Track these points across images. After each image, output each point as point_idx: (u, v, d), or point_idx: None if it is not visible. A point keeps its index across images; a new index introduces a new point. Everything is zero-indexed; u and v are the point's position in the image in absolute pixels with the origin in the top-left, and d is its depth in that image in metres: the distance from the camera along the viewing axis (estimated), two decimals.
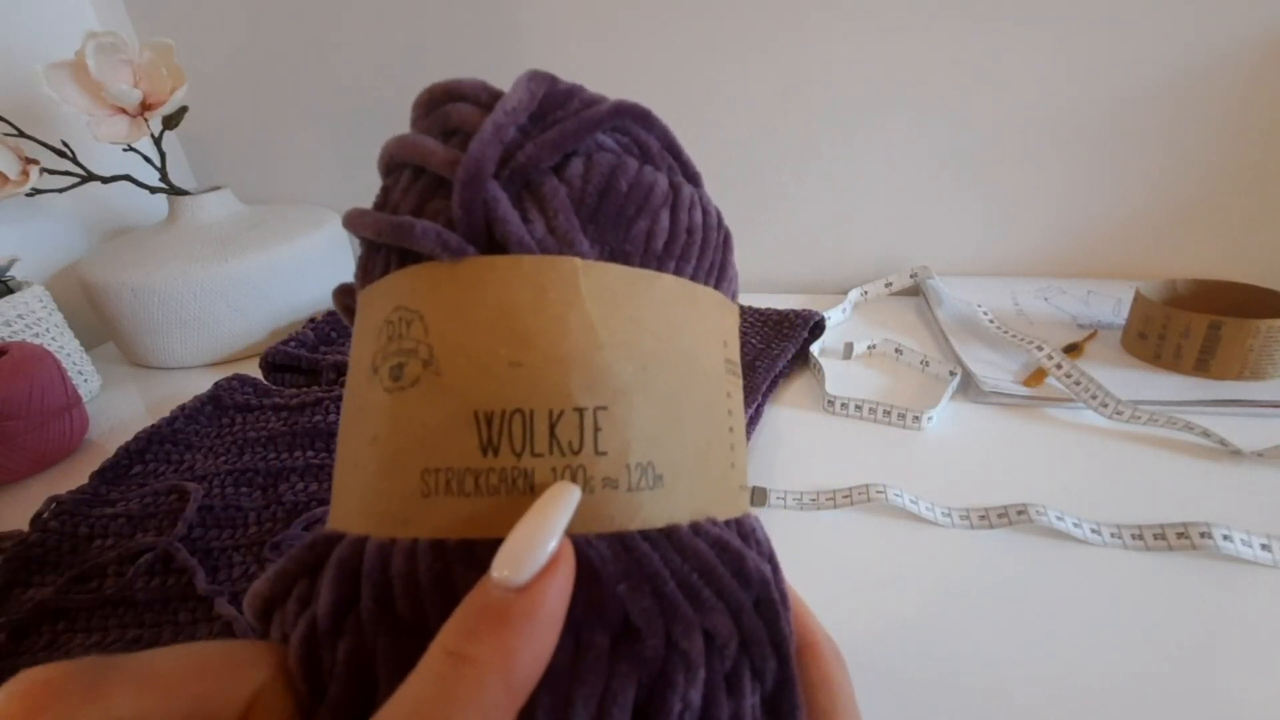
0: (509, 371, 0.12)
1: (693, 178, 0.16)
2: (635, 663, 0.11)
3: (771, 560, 0.14)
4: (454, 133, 0.14)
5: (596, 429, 0.12)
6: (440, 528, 0.11)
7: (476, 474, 0.11)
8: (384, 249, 0.14)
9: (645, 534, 0.12)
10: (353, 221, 0.14)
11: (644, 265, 0.13)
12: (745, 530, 0.14)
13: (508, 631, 0.10)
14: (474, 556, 0.11)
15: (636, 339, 0.13)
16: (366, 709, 0.11)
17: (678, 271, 0.14)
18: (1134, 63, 0.50)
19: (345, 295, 0.16)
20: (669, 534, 0.12)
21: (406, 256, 0.13)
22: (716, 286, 0.15)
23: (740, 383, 0.15)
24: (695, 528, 0.12)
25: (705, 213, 0.15)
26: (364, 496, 0.12)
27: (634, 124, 0.15)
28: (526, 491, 0.11)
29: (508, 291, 0.12)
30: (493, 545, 0.11)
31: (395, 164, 0.15)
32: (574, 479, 0.12)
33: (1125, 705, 0.23)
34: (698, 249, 0.14)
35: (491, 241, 0.13)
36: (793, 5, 0.53)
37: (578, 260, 0.12)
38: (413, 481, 0.12)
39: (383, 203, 0.15)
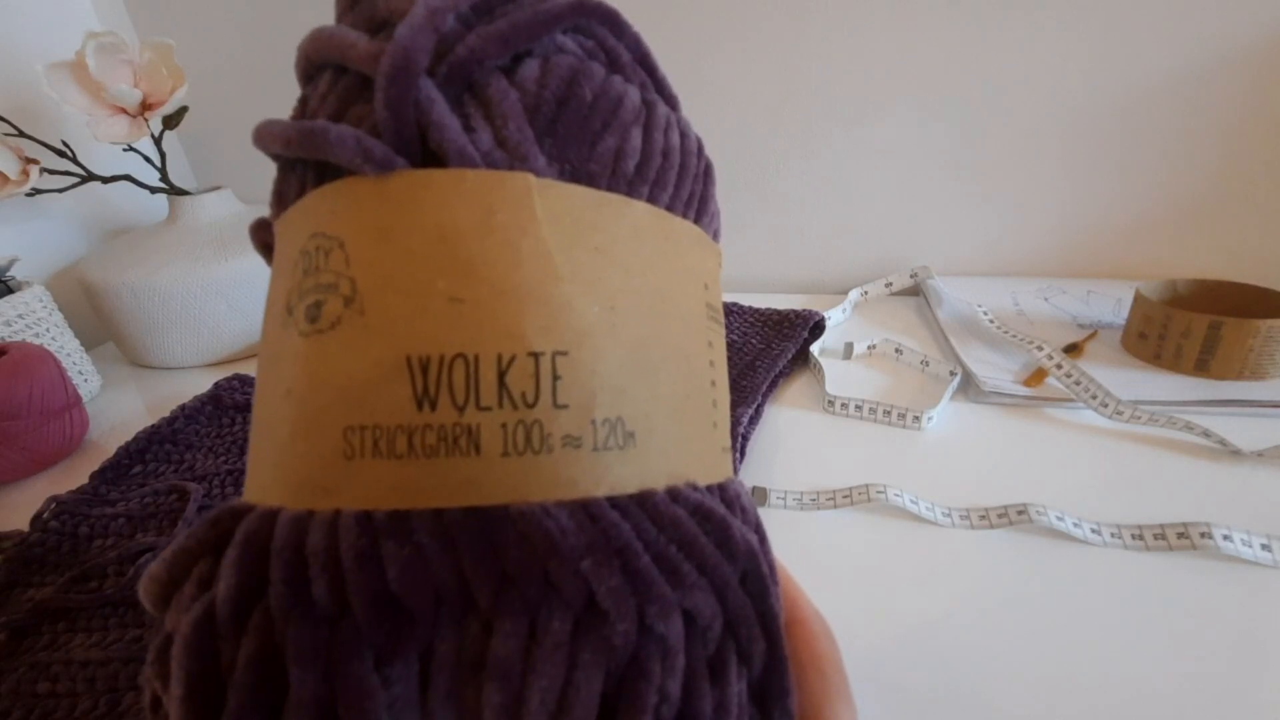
0: (448, 308, 0.10)
1: (670, 99, 0.14)
2: (602, 650, 0.09)
3: (759, 530, 0.12)
4: (383, 25, 0.12)
5: (555, 377, 0.10)
6: (367, 497, 0.10)
7: (410, 432, 0.09)
8: (299, 166, 0.12)
9: (614, 501, 0.10)
10: (260, 135, 0.12)
11: (612, 189, 0.11)
12: (730, 497, 0.12)
13: None
14: (407, 530, 0.09)
15: (603, 273, 0.11)
16: (273, 717, 0.09)
17: (652, 199, 0.12)
18: (1134, 63, 0.50)
19: (263, 231, 0.13)
20: (642, 500, 0.10)
21: (325, 173, 0.11)
22: (697, 221, 0.13)
23: (723, 332, 0.13)
24: (673, 493, 0.11)
25: (684, 136, 0.13)
26: (278, 462, 0.10)
27: (600, 26, 0.12)
28: (470, 452, 0.09)
29: (446, 212, 0.10)
30: (430, 517, 0.09)
31: (314, 65, 0.12)
32: (528, 437, 0.10)
33: (1125, 705, 0.23)
34: (675, 175, 0.12)
35: (426, 153, 0.10)
36: (793, 5, 0.53)
37: (532, 177, 0.10)
38: (334, 442, 0.10)
39: (300, 113, 0.12)
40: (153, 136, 0.51)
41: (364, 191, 0.10)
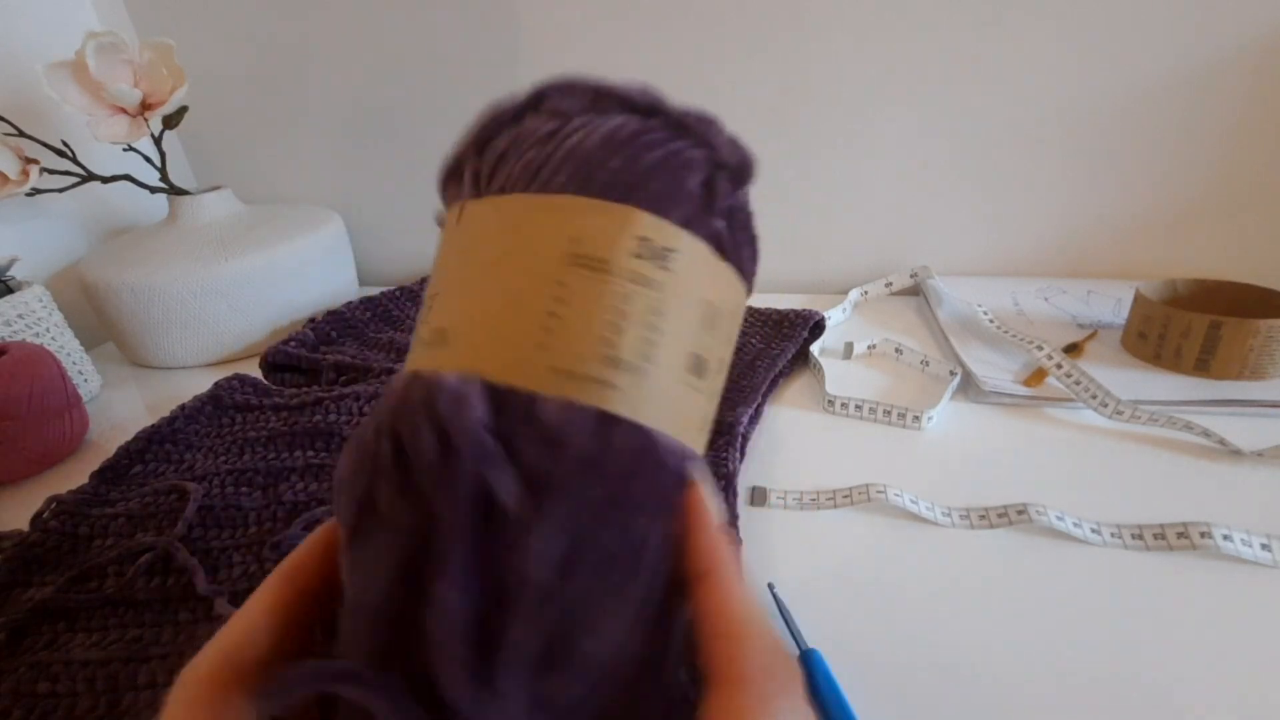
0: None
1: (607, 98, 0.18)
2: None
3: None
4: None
5: (429, 310, 0.17)
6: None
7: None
8: None
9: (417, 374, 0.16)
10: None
11: (526, 191, 0.16)
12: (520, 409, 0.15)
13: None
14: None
15: (469, 248, 0.16)
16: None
17: (542, 191, 0.16)
18: (1135, 63, 0.50)
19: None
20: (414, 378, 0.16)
21: None
22: (582, 193, 0.16)
23: (610, 278, 0.16)
24: (462, 377, 0.15)
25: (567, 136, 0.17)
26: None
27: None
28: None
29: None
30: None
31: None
32: (419, 333, 0.16)
33: (1125, 705, 0.23)
34: (550, 171, 0.16)
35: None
36: (793, 5, 0.53)
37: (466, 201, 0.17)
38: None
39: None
40: (153, 136, 0.51)
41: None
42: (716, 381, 0.18)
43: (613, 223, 0.16)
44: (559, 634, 0.14)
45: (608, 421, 0.15)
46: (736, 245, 0.18)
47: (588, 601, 0.14)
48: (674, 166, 0.17)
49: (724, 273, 0.18)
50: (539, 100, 0.18)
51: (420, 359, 0.16)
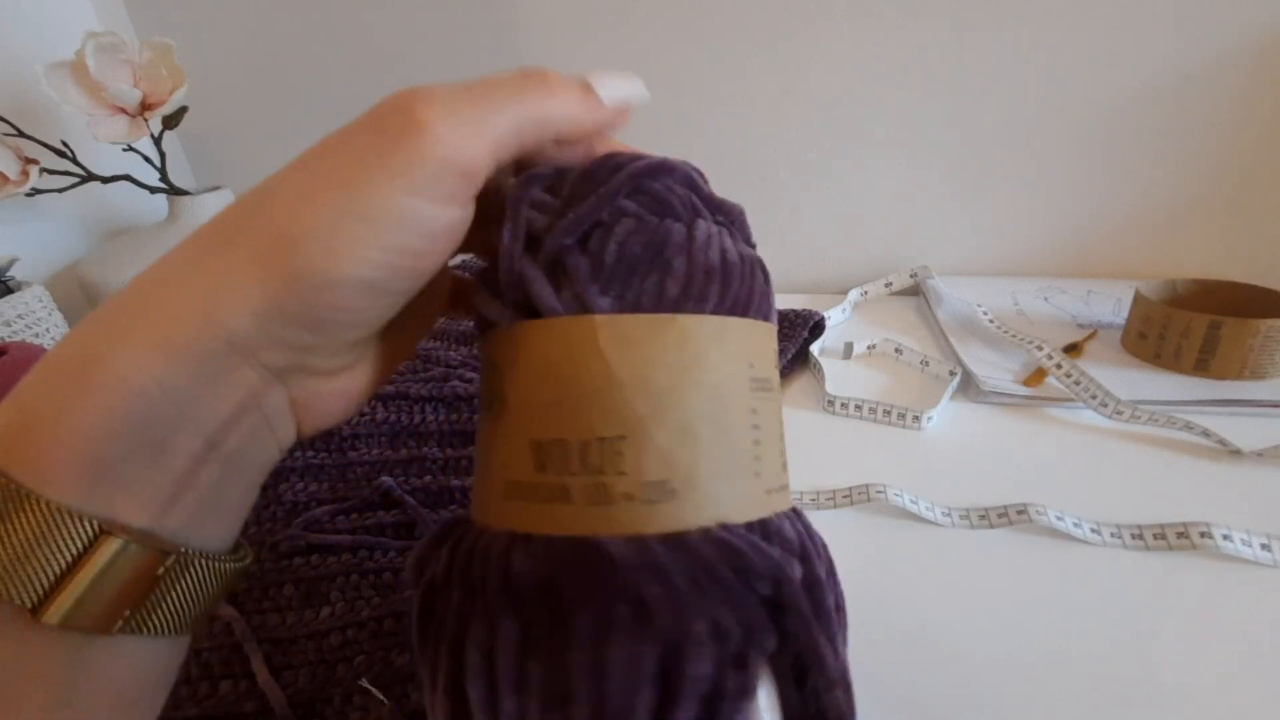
0: (550, 409, 0.15)
1: (721, 211, 0.18)
2: (650, 638, 0.13)
3: (804, 553, 0.16)
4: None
5: (616, 454, 0.14)
6: (512, 522, 0.15)
7: (533, 486, 0.15)
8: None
9: (659, 536, 0.14)
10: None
11: (659, 310, 0.15)
12: (770, 530, 0.15)
13: (591, 99, 0.17)
14: (528, 544, 0.14)
15: (651, 376, 0.15)
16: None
17: (697, 309, 0.16)
18: (1134, 62, 0.50)
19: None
20: (677, 538, 0.14)
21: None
22: (745, 314, 0.17)
23: (773, 394, 0.17)
24: (705, 533, 0.14)
25: (724, 250, 0.17)
26: (478, 494, 0.17)
27: (651, 181, 0.17)
28: (565, 501, 0.14)
29: (544, 347, 0.15)
30: (542, 539, 0.14)
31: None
32: (597, 493, 0.14)
33: (1125, 705, 0.23)
34: (718, 286, 0.16)
35: (535, 310, 0.16)
36: (793, 5, 0.53)
37: (597, 317, 0.15)
38: (498, 488, 0.16)
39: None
40: (152, 136, 0.51)
41: (503, 335, 0.16)
42: None
43: (767, 341, 0.18)
44: None
45: (797, 515, 0.17)
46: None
47: None
48: (756, 265, 0.18)
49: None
50: (634, 188, 0.17)
51: (641, 518, 0.14)
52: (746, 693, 0.13)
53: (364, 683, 0.23)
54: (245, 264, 0.14)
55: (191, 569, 0.14)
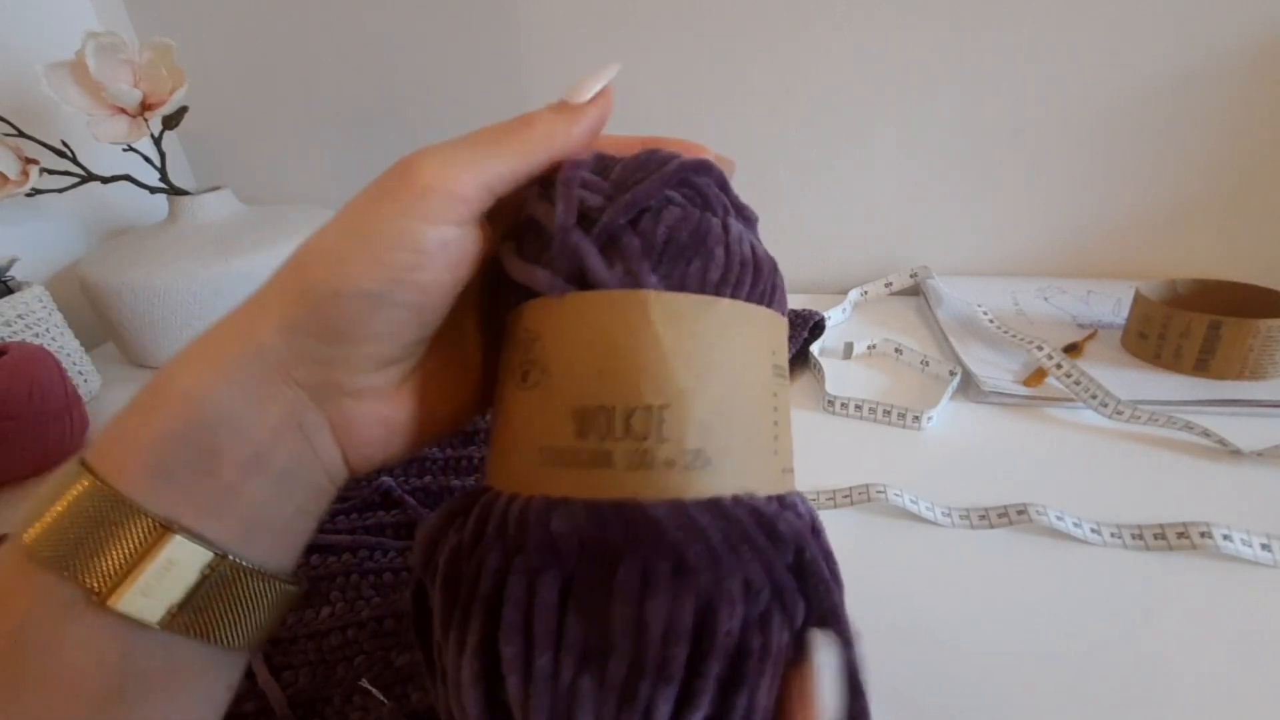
0: (597, 377, 0.15)
1: (744, 214, 0.20)
2: (691, 589, 0.14)
3: (814, 529, 0.17)
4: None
5: (660, 421, 0.15)
6: (550, 489, 0.15)
7: (573, 452, 0.15)
8: (518, 288, 0.18)
9: (697, 502, 0.15)
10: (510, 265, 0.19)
11: (703, 292, 0.17)
12: (786, 504, 0.17)
13: (566, 111, 0.18)
14: (568, 508, 0.15)
15: (696, 351, 0.16)
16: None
17: (734, 295, 0.17)
18: (1133, 62, 0.50)
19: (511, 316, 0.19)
20: (714, 503, 0.15)
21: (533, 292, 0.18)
22: (769, 305, 0.18)
23: (787, 383, 0.18)
24: (736, 499, 0.15)
25: (754, 247, 0.18)
26: (505, 464, 0.17)
27: (696, 177, 0.18)
28: (607, 466, 0.15)
29: (595, 317, 0.16)
30: (582, 503, 0.15)
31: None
32: (640, 458, 0.15)
33: (1125, 705, 0.23)
34: (750, 277, 0.17)
35: (585, 282, 0.16)
36: (793, 5, 0.53)
37: (649, 293, 0.16)
38: (534, 456, 0.16)
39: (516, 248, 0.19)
40: (152, 136, 0.51)
41: (545, 306, 0.17)
42: None
43: (783, 333, 0.19)
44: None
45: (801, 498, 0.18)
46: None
47: None
48: (775, 264, 0.20)
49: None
50: (680, 180, 0.18)
51: (680, 484, 0.15)
52: (769, 653, 0.14)
53: (364, 683, 0.23)
54: (275, 290, 0.16)
55: (240, 579, 0.16)
